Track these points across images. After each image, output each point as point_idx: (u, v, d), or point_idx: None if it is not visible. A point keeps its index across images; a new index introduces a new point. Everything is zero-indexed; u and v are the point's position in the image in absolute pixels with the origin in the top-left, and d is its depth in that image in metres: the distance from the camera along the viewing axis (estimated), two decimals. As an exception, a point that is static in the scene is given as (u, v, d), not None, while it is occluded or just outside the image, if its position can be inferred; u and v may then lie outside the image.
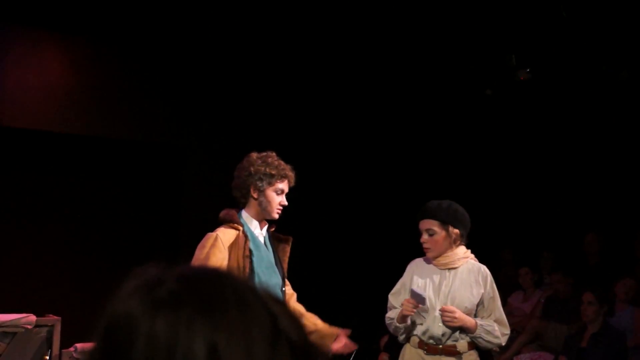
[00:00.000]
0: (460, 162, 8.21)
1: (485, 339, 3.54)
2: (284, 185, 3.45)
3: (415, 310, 3.51)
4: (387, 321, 3.70)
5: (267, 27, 6.77)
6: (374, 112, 7.97)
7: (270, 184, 3.41)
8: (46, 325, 4.57)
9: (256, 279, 3.33)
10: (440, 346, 3.55)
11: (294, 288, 3.71)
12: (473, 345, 3.57)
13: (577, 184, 7.72)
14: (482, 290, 3.58)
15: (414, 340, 3.61)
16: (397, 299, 3.67)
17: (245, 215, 3.47)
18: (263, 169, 3.40)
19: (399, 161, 8.10)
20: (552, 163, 7.91)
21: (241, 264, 3.29)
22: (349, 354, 6.35)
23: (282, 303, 0.78)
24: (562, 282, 6.50)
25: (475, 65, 7.14)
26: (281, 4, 6.46)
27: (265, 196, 3.42)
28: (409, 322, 3.57)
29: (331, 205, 7.64)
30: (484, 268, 3.65)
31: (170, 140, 7.12)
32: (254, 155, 3.47)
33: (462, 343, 3.54)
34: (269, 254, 3.49)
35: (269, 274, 3.42)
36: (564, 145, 7.82)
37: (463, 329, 3.52)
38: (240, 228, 3.38)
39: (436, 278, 3.61)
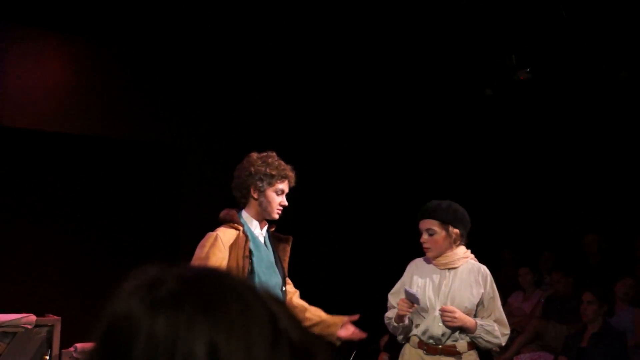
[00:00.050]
0: (460, 162, 8.21)
1: (485, 339, 3.53)
2: (284, 186, 3.45)
3: (410, 310, 3.51)
4: (386, 321, 3.70)
5: (267, 27, 6.77)
6: (374, 112, 7.97)
7: (271, 185, 3.41)
8: (46, 325, 4.57)
9: (256, 279, 3.33)
10: (440, 346, 3.54)
11: (295, 288, 3.71)
12: (473, 345, 3.56)
13: (577, 184, 7.72)
14: (482, 290, 3.58)
15: (414, 340, 3.61)
16: (397, 299, 3.67)
17: (245, 215, 3.47)
18: (263, 169, 3.40)
19: (399, 161, 8.10)
20: (552, 163, 7.92)
21: (241, 264, 3.29)
22: (349, 354, 6.35)
23: (282, 303, 0.78)
24: (562, 282, 6.51)
25: (475, 65, 7.14)
26: (281, 4, 6.45)
27: (265, 196, 3.42)
28: (406, 321, 3.57)
29: (331, 205, 7.65)
30: (484, 268, 3.65)
31: (170, 140, 7.12)
32: (255, 155, 3.47)
33: (461, 343, 3.54)
34: (269, 254, 3.49)
35: (269, 274, 3.43)
36: (564, 146, 7.83)
37: (463, 329, 3.52)
38: (241, 228, 3.39)
39: (436, 278, 3.61)
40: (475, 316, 3.57)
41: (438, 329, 3.52)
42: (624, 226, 7.12)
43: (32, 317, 4.53)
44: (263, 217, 3.48)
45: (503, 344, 3.70)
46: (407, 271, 3.76)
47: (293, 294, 3.65)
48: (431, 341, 3.55)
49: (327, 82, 7.61)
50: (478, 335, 3.52)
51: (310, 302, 3.66)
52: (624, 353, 5.44)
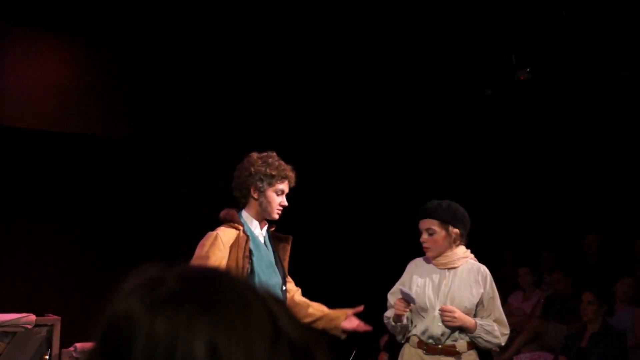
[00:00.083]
0: (460, 162, 8.21)
1: (485, 338, 3.53)
2: (284, 186, 3.45)
3: (407, 310, 3.51)
4: (385, 320, 3.70)
5: (267, 27, 6.77)
6: (374, 112, 7.97)
7: (271, 185, 3.41)
8: (46, 325, 4.57)
9: (256, 279, 3.33)
10: (440, 346, 3.54)
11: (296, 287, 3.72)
12: (472, 345, 3.56)
13: (577, 184, 7.72)
14: (482, 290, 3.58)
15: (414, 340, 3.61)
16: (396, 299, 3.67)
17: (245, 215, 3.47)
18: (263, 169, 3.40)
19: (399, 161, 8.10)
20: (552, 163, 7.91)
21: (240, 264, 3.29)
22: (349, 354, 6.36)
23: (282, 303, 0.78)
24: (562, 282, 6.51)
25: (475, 65, 7.14)
26: (281, 4, 6.45)
27: (265, 197, 3.42)
28: (404, 321, 3.57)
29: (331, 205, 7.64)
30: (483, 268, 3.65)
31: (170, 140, 7.12)
32: (255, 155, 3.47)
33: (461, 343, 3.54)
34: (269, 254, 3.50)
35: (269, 273, 3.43)
36: (563, 145, 7.82)
37: (462, 329, 3.52)
38: (241, 228, 3.39)
39: (436, 278, 3.61)
40: (474, 316, 3.57)
41: (438, 328, 3.52)
42: (624, 226, 7.12)
43: (32, 317, 4.53)
44: (263, 217, 3.48)
45: (503, 344, 3.70)
46: (407, 271, 3.76)
47: (295, 292, 3.66)
48: (431, 341, 3.55)
49: (327, 82, 7.61)
50: (478, 335, 3.52)
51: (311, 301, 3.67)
52: (624, 353, 5.44)
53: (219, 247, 3.29)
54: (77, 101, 6.50)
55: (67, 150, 6.61)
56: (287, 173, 3.45)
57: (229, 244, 3.32)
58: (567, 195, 7.79)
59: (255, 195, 3.43)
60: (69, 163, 6.63)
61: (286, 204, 3.47)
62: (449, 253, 3.60)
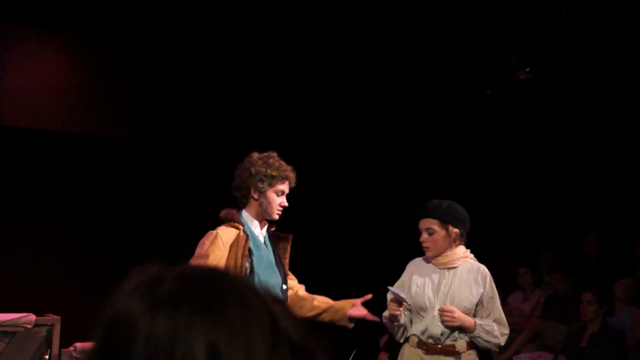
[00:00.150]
0: (460, 162, 8.21)
1: (485, 338, 3.53)
2: (284, 187, 3.45)
3: (400, 309, 3.50)
4: (384, 320, 3.70)
5: (267, 27, 6.77)
6: (374, 112, 7.97)
7: (271, 186, 3.41)
8: (46, 325, 4.57)
9: (255, 279, 3.34)
10: (439, 346, 3.54)
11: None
12: (472, 345, 3.56)
13: (577, 184, 7.72)
14: (482, 290, 3.58)
15: (413, 339, 3.61)
16: (389, 299, 3.67)
17: (245, 215, 3.47)
18: (264, 170, 3.40)
19: (399, 161, 8.09)
20: (551, 163, 7.91)
21: (239, 263, 3.29)
22: (349, 354, 6.36)
23: (283, 303, 0.78)
24: (562, 281, 6.51)
25: (475, 65, 7.14)
26: (281, 4, 6.45)
27: (265, 197, 3.42)
28: (401, 320, 3.57)
29: (331, 204, 7.64)
30: (483, 268, 3.65)
31: (169, 140, 7.12)
32: (255, 155, 3.47)
33: (461, 343, 3.54)
34: (269, 254, 3.50)
35: (268, 273, 3.43)
36: (563, 145, 7.82)
37: (462, 329, 3.51)
38: (241, 227, 3.39)
39: (435, 277, 3.61)
40: (474, 316, 3.57)
41: (437, 328, 3.52)
42: (624, 226, 7.11)
43: (32, 317, 4.52)
44: (263, 217, 3.48)
45: (502, 344, 3.71)
46: (407, 270, 3.76)
47: (299, 288, 3.66)
48: (430, 341, 3.55)
49: (327, 81, 7.60)
50: (477, 335, 3.52)
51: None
52: (624, 353, 5.44)
53: (218, 246, 3.30)
54: (77, 101, 6.50)
55: (67, 150, 6.61)
56: (288, 174, 3.45)
57: (229, 243, 3.33)
58: (567, 195, 7.79)
59: (256, 196, 3.43)
60: (69, 163, 6.63)
61: (286, 204, 3.47)
62: (448, 253, 3.60)
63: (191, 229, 4.33)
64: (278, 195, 3.43)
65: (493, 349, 3.77)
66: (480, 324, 3.52)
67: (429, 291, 3.58)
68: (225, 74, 7.21)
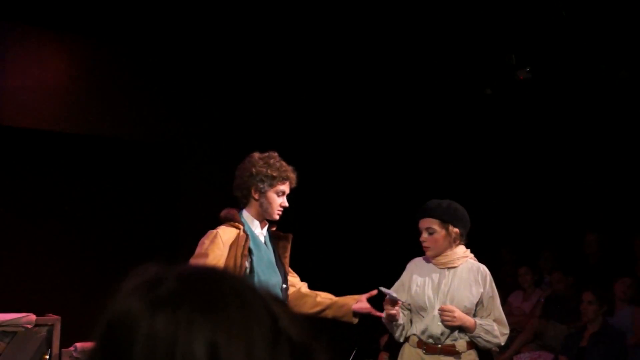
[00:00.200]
0: (460, 162, 8.21)
1: (485, 338, 3.53)
2: (285, 187, 3.45)
3: (395, 309, 3.50)
4: (383, 320, 3.70)
5: (267, 27, 6.76)
6: (374, 112, 7.97)
7: (272, 186, 3.41)
8: (46, 325, 4.57)
9: (255, 278, 3.34)
10: (439, 345, 3.54)
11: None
12: (472, 344, 3.56)
13: (577, 183, 7.72)
14: (482, 290, 3.58)
15: (413, 339, 3.61)
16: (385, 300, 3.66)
17: (246, 214, 3.48)
18: (265, 170, 3.40)
19: (399, 161, 8.09)
20: (552, 162, 7.91)
21: (239, 263, 3.30)
22: (349, 354, 6.36)
23: (283, 302, 0.78)
24: (562, 281, 6.51)
25: (475, 65, 7.13)
26: (281, 4, 6.45)
27: (266, 197, 3.42)
28: (399, 320, 3.57)
29: (331, 204, 7.64)
30: (483, 267, 3.65)
31: (169, 140, 7.12)
32: (256, 155, 3.47)
33: (461, 342, 3.54)
34: (269, 253, 3.50)
35: (268, 273, 3.43)
36: (563, 145, 7.82)
37: (462, 329, 3.52)
38: (241, 227, 3.39)
39: (435, 277, 3.61)
40: (474, 315, 3.57)
41: (437, 328, 3.52)
42: (624, 225, 7.11)
43: (32, 317, 4.53)
44: (264, 217, 3.48)
45: (502, 344, 3.71)
46: (407, 270, 3.76)
47: (302, 286, 3.66)
48: (430, 340, 3.55)
49: (327, 81, 7.60)
50: (477, 335, 3.52)
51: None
52: (624, 353, 5.44)
53: (218, 246, 3.30)
54: (77, 101, 6.50)
55: (67, 150, 6.61)
56: (288, 174, 3.45)
57: (229, 243, 3.33)
58: (567, 194, 7.79)
59: (256, 196, 3.43)
60: (69, 163, 6.63)
61: (287, 204, 3.47)
62: (448, 252, 3.60)
63: (191, 229, 4.33)
64: (279, 196, 3.43)
65: (493, 348, 3.77)
66: (480, 324, 3.52)
67: (429, 291, 3.58)
68: (225, 74, 7.21)
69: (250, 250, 3.38)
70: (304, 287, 3.66)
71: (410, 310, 3.65)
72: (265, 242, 3.51)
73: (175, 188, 7.12)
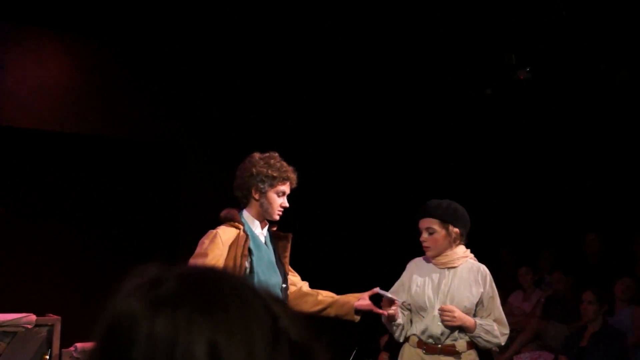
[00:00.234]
0: (460, 162, 8.21)
1: (485, 338, 3.53)
2: (285, 188, 3.45)
3: (393, 308, 3.50)
4: (383, 320, 3.70)
5: (267, 27, 6.76)
6: (374, 112, 7.97)
7: (272, 186, 3.41)
8: (46, 325, 4.57)
9: (255, 279, 3.34)
10: (439, 345, 3.54)
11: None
12: (472, 344, 3.56)
13: (577, 183, 7.72)
14: (482, 290, 3.58)
15: (413, 339, 3.61)
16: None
17: (246, 215, 3.48)
18: (265, 170, 3.40)
19: (399, 161, 8.09)
20: (551, 162, 7.91)
21: (238, 263, 3.30)
22: (349, 354, 6.36)
23: (283, 302, 0.78)
24: (562, 281, 6.51)
25: (475, 65, 7.13)
26: (281, 4, 6.45)
27: (266, 198, 3.42)
28: (399, 320, 3.57)
29: (331, 204, 7.64)
30: (483, 267, 3.65)
31: (169, 140, 7.12)
32: (257, 155, 3.47)
33: (461, 342, 3.54)
34: (269, 254, 3.50)
35: (268, 273, 3.43)
36: (563, 145, 7.82)
37: (462, 329, 3.52)
38: (241, 227, 3.39)
39: (435, 277, 3.61)
40: (474, 316, 3.57)
41: (437, 328, 3.52)
42: (624, 225, 7.12)
43: (32, 317, 4.53)
44: (264, 217, 3.48)
45: (502, 344, 3.71)
46: (407, 270, 3.76)
47: (303, 284, 3.65)
48: (430, 340, 3.55)
49: (328, 82, 7.60)
50: (477, 335, 3.52)
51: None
52: (624, 352, 5.44)
53: (217, 245, 3.30)
54: (77, 101, 6.50)
55: (67, 150, 6.61)
56: (289, 175, 3.45)
57: (228, 243, 3.33)
58: (567, 194, 7.79)
59: (257, 196, 3.43)
60: (69, 163, 6.63)
61: (287, 205, 3.46)
62: (448, 252, 3.60)
63: (191, 228, 4.33)
64: (279, 196, 3.43)
65: (493, 348, 3.77)
66: (480, 324, 3.52)
67: (429, 291, 3.58)
68: (225, 74, 7.21)
69: (250, 250, 3.38)
70: (305, 286, 3.66)
71: (410, 310, 3.65)
72: (265, 242, 3.51)
73: (175, 188, 7.12)
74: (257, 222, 3.48)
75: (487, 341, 3.55)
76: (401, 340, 3.69)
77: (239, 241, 3.34)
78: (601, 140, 7.55)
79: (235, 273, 0.81)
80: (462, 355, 3.54)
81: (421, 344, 3.57)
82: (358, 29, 6.79)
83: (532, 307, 6.71)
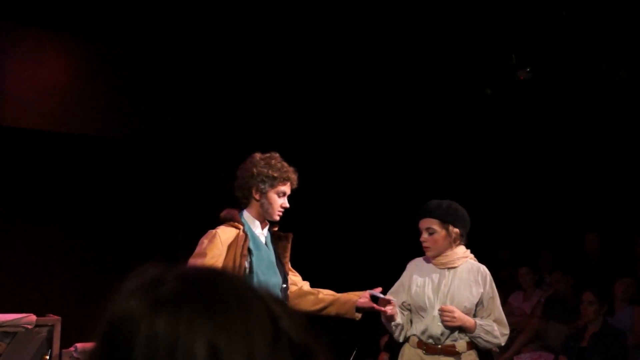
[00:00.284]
0: (460, 162, 8.21)
1: (485, 338, 3.53)
2: (286, 188, 3.45)
3: (390, 308, 3.50)
4: (382, 320, 3.70)
5: (267, 27, 6.77)
6: (375, 112, 7.97)
7: (273, 187, 3.41)
8: (46, 325, 4.58)
9: (255, 279, 3.34)
10: (439, 346, 3.54)
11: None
12: (472, 345, 3.56)
13: (577, 183, 7.72)
14: (482, 290, 3.58)
15: (413, 340, 3.61)
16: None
17: (246, 215, 3.47)
18: (266, 171, 3.40)
19: (399, 161, 8.10)
20: (552, 163, 7.92)
21: (238, 263, 3.30)
22: (350, 354, 6.36)
23: (283, 303, 0.78)
24: (562, 281, 6.51)
25: (475, 65, 7.14)
26: (281, 4, 6.45)
27: (267, 198, 3.42)
28: (398, 320, 3.57)
29: (332, 204, 7.65)
30: (483, 268, 3.65)
31: (169, 140, 7.12)
32: (258, 156, 3.47)
33: (461, 343, 3.54)
34: (269, 254, 3.50)
35: (268, 274, 3.43)
36: (563, 145, 7.83)
37: (462, 329, 3.51)
38: (241, 227, 3.39)
39: (435, 277, 3.61)
40: (474, 316, 3.57)
41: (437, 328, 3.52)
42: (624, 225, 7.12)
43: (33, 317, 4.53)
44: (264, 217, 3.48)
45: (502, 344, 3.71)
46: (407, 270, 3.76)
47: (304, 284, 3.65)
48: (430, 341, 3.55)
49: (328, 82, 7.61)
50: (477, 335, 3.52)
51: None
52: (624, 353, 5.44)
53: (216, 245, 3.30)
54: (77, 101, 6.50)
55: (67, 150, 6.61)
56: (290, 175, 3.45)
57: (227, 243, 3.33)
58: (567, 195, 7.79)
59: (257, 197, 3.43)
60: (69, 163, 6.63)
61: (287, 205, 3.46)
62: (448, 253, 3.60)
63: (191, 229, 4.33)
64: (279, 197, 3.43)
65: (493, 349, 3.77)
66: (480, 324, 3.52)
67: (429, 291, 3.58)
68: (225, 74, 7.21)
69: (249, 251, 3.37)
70: (305, 285, 3.66)
71: (410, 310, 3.65)
72: (265, 243, 3.51)
73: (175, 188, 7.12)
74: (257, 223, 3.48)
75: (487, 341, 3.55)
76: (401, 341, 3.68)
77: (239, 241, 3.34)
78: (601, 140, 7.55)
79: (235, 273, 0.81)
80: (462, 356, 3.53)
81: (421, 345, 3.57)
82: (358, 29, 6.79)
83: (532, 307, 6.71)
